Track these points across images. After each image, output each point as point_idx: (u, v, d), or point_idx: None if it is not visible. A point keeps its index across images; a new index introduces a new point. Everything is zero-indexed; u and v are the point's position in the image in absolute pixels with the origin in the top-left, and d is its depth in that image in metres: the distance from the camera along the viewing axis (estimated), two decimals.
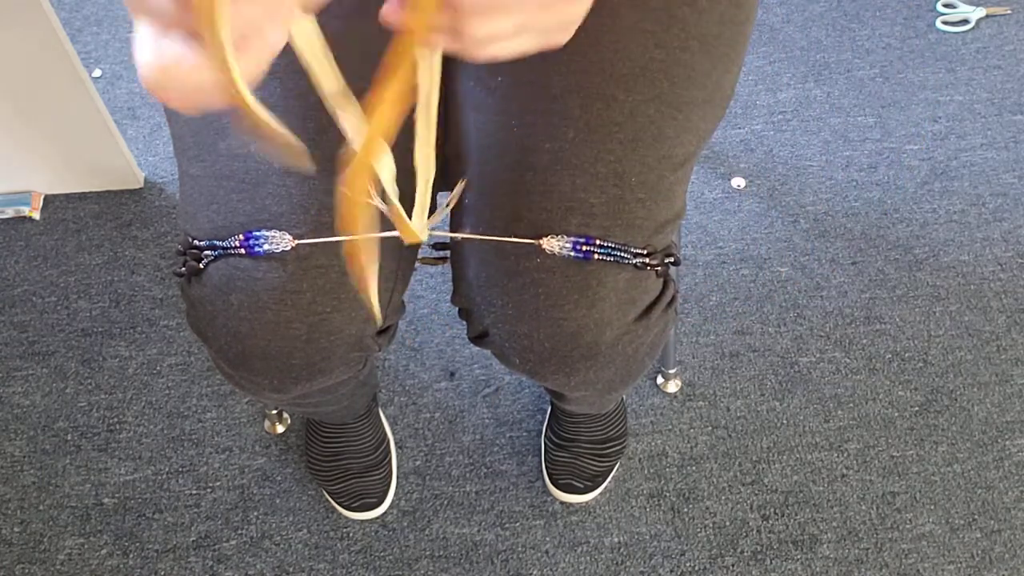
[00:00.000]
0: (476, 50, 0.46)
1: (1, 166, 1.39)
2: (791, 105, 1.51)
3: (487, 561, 1.13)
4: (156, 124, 1.53)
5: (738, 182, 1.42)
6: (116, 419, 1.24)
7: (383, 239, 0.70)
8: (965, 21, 1.60)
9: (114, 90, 1.57)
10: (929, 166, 1.43)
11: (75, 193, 1.44)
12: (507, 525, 1.15)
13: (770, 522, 1.15)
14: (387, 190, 0.52)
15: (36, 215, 1.42)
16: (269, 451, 1.21)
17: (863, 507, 1.16)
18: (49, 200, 1.44)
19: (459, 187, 0.65)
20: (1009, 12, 1.61)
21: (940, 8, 1.62)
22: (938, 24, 1.60)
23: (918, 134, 1.47)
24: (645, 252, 0.68)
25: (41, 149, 1.36)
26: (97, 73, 1.59)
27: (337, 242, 0.67)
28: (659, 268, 0.70)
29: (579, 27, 0.69)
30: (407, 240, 0.63)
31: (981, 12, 1.60)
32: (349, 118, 0.44)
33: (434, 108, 0.50)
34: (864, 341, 1.28)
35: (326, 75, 0.41)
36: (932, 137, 1.46)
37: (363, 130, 0.45)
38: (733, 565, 1.12)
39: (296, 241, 0.66)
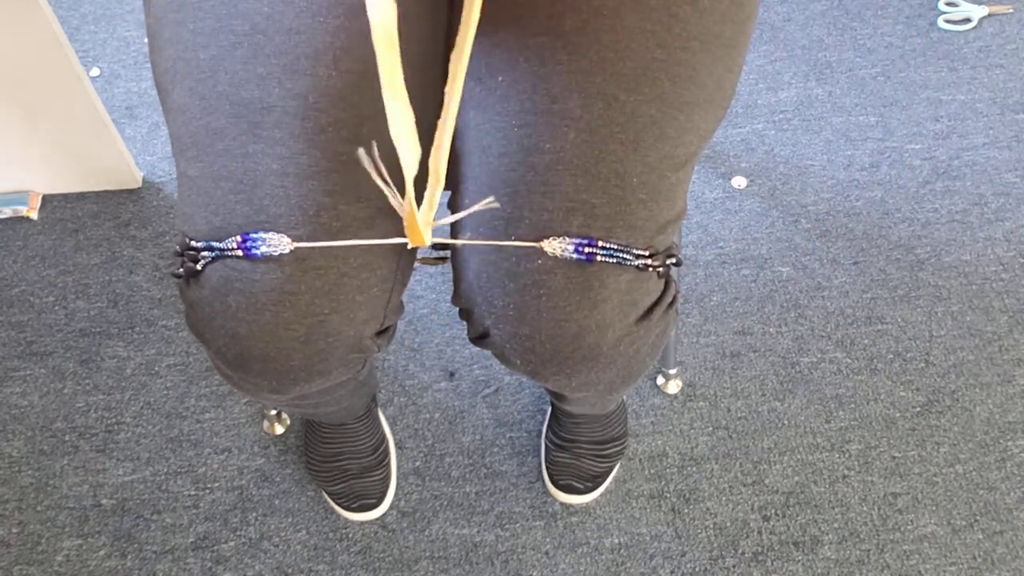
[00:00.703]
0: None
1: None
2: (792, 104, 1.51)
3: (487, 562, 1.13)
4: (154, 124, 1.52)
5: (739, 182, 1.42)
6: (114, 420, 1.24)
7: (382, 237, 0.70)
8: (967, 20, 1.60)
9: (112, 89, 1.57)
10: (931, 165, 1.43)
11: (73, 193, 1.44)
12: (507, 526, 1.15)
13: (771, 523, 1.15)
14: (407, 189, 0.51)
15: (34, 215, 1.42)
16: (268, 452, 1.21)
17: (864, 508, 1.15)
18: (47, 200, 1.44)
19: (486, 202, 0.65)
20: (1011, 11, 1.61)
21: (942, 7, 1.62)
22: (940, 23, 1.60)
23: (920, 133, 1.47)
24: (647, 253, 0.68)
25: (39, 149, 1.36)
26: (95, 72, 1.59)
27: (335, 243, 0.67)
28: (661, 269, 0.70)
29: (580, 27, 0.69)
30: (413, 243, 0.62)
31: (983, 11, 1.60)
32: (395, 108, 0.43)
33: (453, 116, 0.49)
34: (866, 341, 1.27)
35: (387, 63, 0.39)
36: (934, 136, 1.46)
37: (404, 117, 0.44)
38: (734, 566, 1.12)
39: (294, 244, 0.66)
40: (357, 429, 1.12)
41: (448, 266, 0.79)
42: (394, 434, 1.21)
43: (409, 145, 0.47)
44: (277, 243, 0.65)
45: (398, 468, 1.19)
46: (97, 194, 1.44)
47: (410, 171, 0.49)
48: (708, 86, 0.72)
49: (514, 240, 0.67)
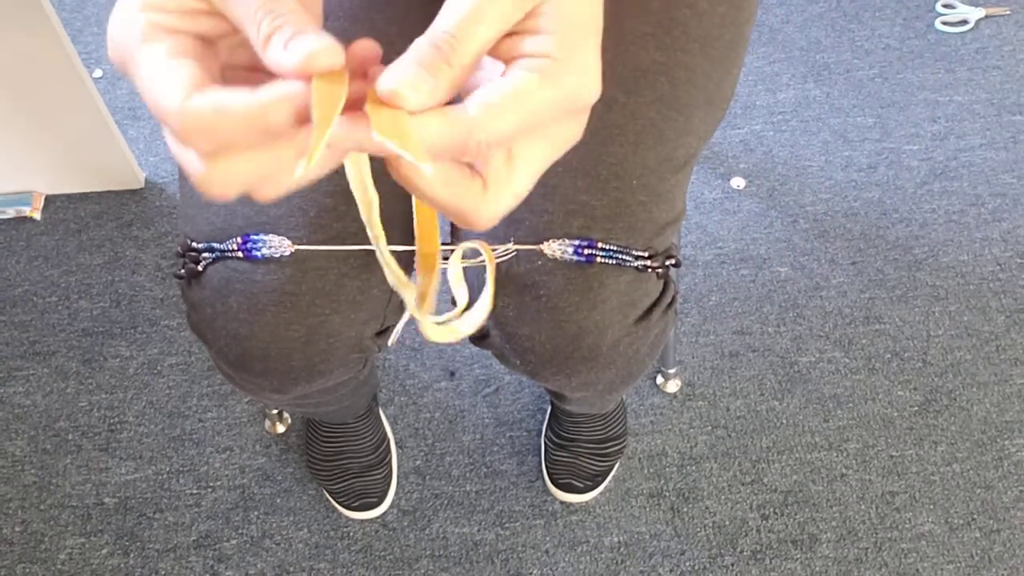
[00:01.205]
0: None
1: (2, 166, 1.39)
2: (790, 105, 1.51)
3: (487, 560, 1.13)
4: (156, 125, 1.53)
5: (738, 182, 1.43)
6: (117, 419, 1.24)
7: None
8: (964, 22, 1.60)
9: (115, 90, 1.57)
10: (928, 166, 1.44)
11: (76, 193, 1.44)
12: (507, 525, 1.16)
13: (769, 521, 1.15)
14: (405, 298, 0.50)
15: (37, 215, 1.42)
16: (270, 451, 1.21)
17: (862, 507, 1.16)
18: (50, 200, 1.44)
19: (504, 248, 0.64)
20: (1008, 13, 1.62)
21: (939, 8, 1.62)
22: (937, 25, 1.60)
23: (917, 134, 1.47)
24: (646, 254, 0.69)
25: (42, 149, 1.36)
26: (98, 74, 1.60)
27: (334, 243, 0.67)
28: (660, 270, 0.71)
29: None
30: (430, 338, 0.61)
31: (980, 13, 1.60)
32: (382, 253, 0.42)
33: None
34: (863, 341, 1.28)
35: (364, 205, 0.40)
36: (931, 137, 1.47)
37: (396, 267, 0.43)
38: (732, 564, 1.13)
39: (295, 247, 0.66)
40: (358, 428, 1.13)
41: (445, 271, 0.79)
42: (395, 433, 1.22)
43: (395, 272, 0.46)
44: (278, 245, 0.66)
45: (399, 467, 1.20)
46: (100, 194, 1.44)
47: (408, 294, 0.48)
48: (707, 88, 0.72)
49: (514, 241, 0.67)
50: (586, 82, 0.37)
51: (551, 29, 0.36)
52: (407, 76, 0.34)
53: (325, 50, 0.33)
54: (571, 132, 0.40)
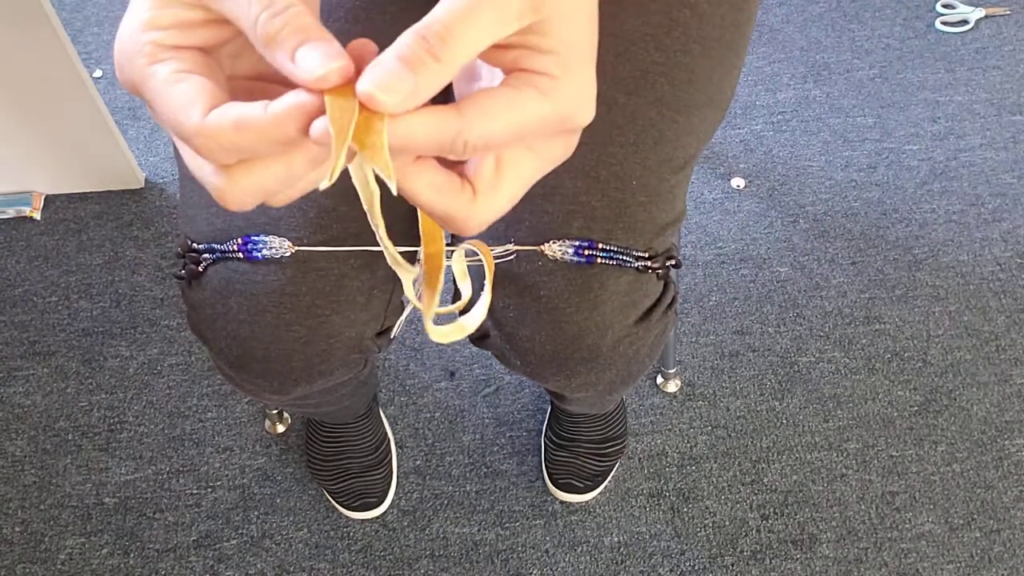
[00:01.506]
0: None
1: (2, 166, 1.39)
2: (791, 105, 1.51)
3: (487, 560, 1.13)
4: (156, 125, 1.53)
5: (738, 182, 1.43)
6: (117, 419, 1.24)
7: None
8: (964, 22, 1.60)
9: (115, 90, 1.57)
10: (928, 166, 1.44)
11: (76, 193, 1.44)
12: (507, 525, 1.16)
13: (769, 522, 1.15)
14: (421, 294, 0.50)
15: (37, 215, 1.42)
16: (270, 451, 1.21)
17: (862, 507, 1.16)
18: (50, 200, 1.44)
19: (503, 249, 0.64)
20: (1008, 13, 1.62)
21: (939, 9, 1.62)
22: (937, 25, 1.60)
23: (917, 134, 1.47)
24: (647, 255, 0.69)
25: (42, 149, 1.36)
26: (98, 74, 1.60)
27: (334, 243, 0.67)
28: (660, 271, 0.71)
29: None
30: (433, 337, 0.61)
31: (980, 13, 1.60)
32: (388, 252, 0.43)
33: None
34: (863, 341, 1.28)
35: (366, 197, 0.39)
36: (931, 137, 1.47)
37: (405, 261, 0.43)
38: (732, 564, 1.13)
39: (295, 247, 0.66)
40: (358, 428, 1.13)
41: (449, 267, 0.79)
42: (395, 433, 1.22)
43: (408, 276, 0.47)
44: (278, 246, 0.66)
45: (399, 467, 1.20)
46: (100, 194, 1.44)
47: (407, 277, 0.48)
48: (707, 89, 0.72)
49: (514, 242, 0.67)
50: (581, 105, 0.38)
51: (552, 49, 0.36)
52: (384, 77, 0.33)
53: (338, 70, 0.33)
54: (561, 150, 0.40)
